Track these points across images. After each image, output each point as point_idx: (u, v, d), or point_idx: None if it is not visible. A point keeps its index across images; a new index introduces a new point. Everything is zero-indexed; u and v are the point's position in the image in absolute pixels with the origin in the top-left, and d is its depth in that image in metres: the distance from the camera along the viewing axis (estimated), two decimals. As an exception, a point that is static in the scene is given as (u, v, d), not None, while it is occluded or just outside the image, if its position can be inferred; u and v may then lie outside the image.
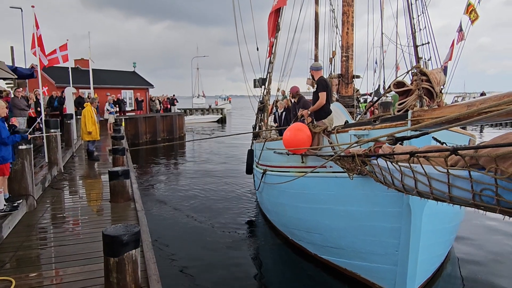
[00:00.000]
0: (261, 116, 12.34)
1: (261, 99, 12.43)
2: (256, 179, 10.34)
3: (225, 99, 70.59)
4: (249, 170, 11.33)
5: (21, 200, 5.87)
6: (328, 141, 5.95)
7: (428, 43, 9.80)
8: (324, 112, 6.99)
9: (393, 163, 4.10)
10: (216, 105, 58.46)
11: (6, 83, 17.50)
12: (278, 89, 15.03)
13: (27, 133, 5.97)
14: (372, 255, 5.63)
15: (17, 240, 4.95)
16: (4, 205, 5.29)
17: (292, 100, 10.61)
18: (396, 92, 5.74)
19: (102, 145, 14.56)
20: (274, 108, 14.06)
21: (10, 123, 7.12)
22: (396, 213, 5.11)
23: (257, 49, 12.47)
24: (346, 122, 7.18)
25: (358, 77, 11.94)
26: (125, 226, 3.65)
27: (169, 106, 31.38)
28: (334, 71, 13.39)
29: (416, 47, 10.47)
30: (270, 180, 8.04)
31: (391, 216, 5.18)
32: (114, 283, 3.41)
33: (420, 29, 10.13)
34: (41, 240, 5.03)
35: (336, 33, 14.64)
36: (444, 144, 4.22)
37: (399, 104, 5.62)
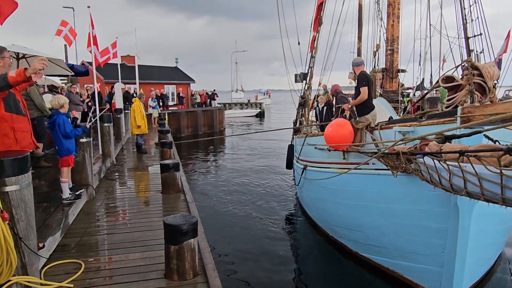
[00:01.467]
0: (302, 111, 12.40)
1: (302, 94, 12.47)
2: (296, 174, 10.46)
3: (264, 94, 70.60)
4: (289, 165, 11.46)
5: (83, 190, 6.35)
6: (371, 137, 5.91)
7: (481, 34, 9.41)
8: (366, 108, 6.95)
9: (440, 162, 4.08)
10: (256, 99, 58.69)
11: (61, 79, 18.60)
12: (320, 84, 14.98)
13: (87, 126, 6.42)
14: (416, 255, 5.54)
15: (81, 226, 5.40)
16: (69, 194, 5.76)
17: (333, 98, 10.61)
18: (444, 87, 5.64)
19: (147, 139, 15.18)
20: (315, 103, 14.05)
21: (72, 116, 7.66)
22: (442, 213, 4.99)
23: (299, 43, 12.50)
24: (390, 118, 7.04)
25: (403, 71, 11.67)
26: (184, 216, 3.93)
27: (207, 100, 31.93)
28: (378, 65, 13.17)
29: (467, 39, 10.08)
30: (310, 176, 8.10)
31: (437, 216, 5.07)
32: (174, 269, 3.70)
33: (472, 20, 9.72)
34: (101, 228, 5.45)
35: (381, 25, 14.38)
36: (497, 143, 4.14)
37: (448, 100, 5.53)
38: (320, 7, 11.56)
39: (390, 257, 6.10)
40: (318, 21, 11.81)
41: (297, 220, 9.67)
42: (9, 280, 3.19)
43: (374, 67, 13.24)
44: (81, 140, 6.56)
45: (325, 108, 10.30)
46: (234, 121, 39.36)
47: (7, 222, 3.02)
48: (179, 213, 5.93)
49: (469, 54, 10.28)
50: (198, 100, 30.81)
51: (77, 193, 5.97)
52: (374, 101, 7.92)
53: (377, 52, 14.02)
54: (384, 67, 11.58)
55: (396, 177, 5.08)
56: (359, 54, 18.75)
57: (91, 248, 4.71)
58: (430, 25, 13.44)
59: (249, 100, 53.19)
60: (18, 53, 10.67)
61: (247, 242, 8.08)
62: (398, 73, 11.51)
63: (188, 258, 3.69)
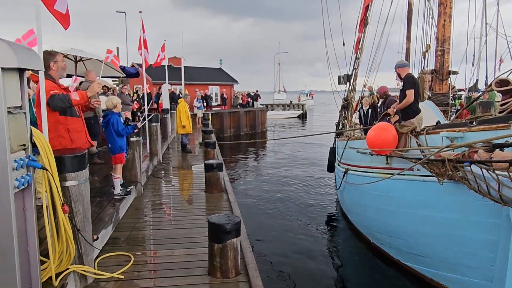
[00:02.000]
0: (344, 113, 12.25)
1: (345, 96, 12.32)
2: (337, 177, 10.34)
3: (307, 95, 70.09)
4: (331, 168, 11.36)
5: (132, 186, 6.69)
6: (416, 142, 5.73)
7: None
8: (412, 111, 6.67)
9: (489, 171, 3.91)
10: (299, 100, 58.42)
11: (112, 81, 19.60)
12: (365, 85, 14.69)
13: (137, 125, 6.76)
14: (463, 267, 5.28)
15: (130, 221, 5.70)
16: (120, 189, 6.09)
17: (380, 101, 10.38)
18: (498, 91, 5.37)
19: (191, 138, 15.63)
20: (359, 105, 13.82)
21: (124, 116, 8.10)
22: (492, 224, 4.71)
23: (344, 44, 12.36)
24: (438, 122, 6.77)
25: (454, 72, 11.22)
26: (227, 216, 4.05)
27: (249, 100, 32.21)
28: (427, 66, 12.72)
29: None
30: (352, 180, 7.98)
31: (487, 227, 4.79)
32: (217, 267, 3.83)
33: None
34: (148, 223, 5.72)
35: (432, 24, 13.82)
36: (554, 153, 3.90)
37: (502, 105, 5.27)
38: (366, 8, 11.38)
39: (434, 268, 5.88)
40: (364, 22, 11.63)
41: (338, 224, 9.59)
42: (68, 268, 3.46)
43: (423, 68, 12.81)
44: (132, 139, 6.92)
45: (369, 110, 10.12)
46: (276, 123, 39.47)
47: (67, 214, 3.28)
48: (222, 212, 6.12)
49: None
50: (240, 101, 31.22)
51: (127, 189, 6.30)
52: (421, 104, 7.67)
53: (427, 53, 13.53)
54: (433, 68, 11.19)
55: (442, 185, 4.94)
56: (407, 54, 18.17)
57: (139, 242, 4.96)
58: (486, 23, 12.84)
59: (291, 101, 53.04)
60: (76, 56, 11.36)
61: (287, 243, 8.14)
62: (449, 75, 11.08)
63: (231, 257, 3.81)
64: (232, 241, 3.80)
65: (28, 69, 2.80)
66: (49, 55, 4.15)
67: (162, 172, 9.44)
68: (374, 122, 11.13)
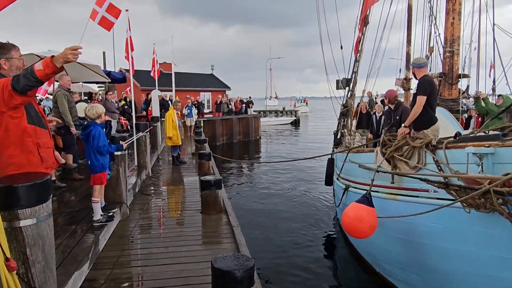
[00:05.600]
0: (343, 121, 11.37)
1: (344, 102, 11.46)
2: (336, 194, 9.23)
3: (302, 101, 69.31)
4: (329, 182, 10.36)
5: (116, 209, 5.70)
6: (433, 158, 4.60)
7: None
8: (427, 120, 5.49)
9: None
10: (294, 107, 57.75)
11: (98, 87, 18.53)
12: (364, 91, 13.92)
13: (124, 142, 5.79)
14: None
15: (112, 254, 4.70)
16: (101, 215, 5.11)
17: (387, 107, 9.51)
18: None
19: (183, 148, 14.61)
20: (362, 110, 13.00)
21: (104, 119, 7.03)
22: None
23: (341, 47, 11.56)
24: (458, 134, 5.37)
25: (466, 76, 10.35)
26: (236, 258, 3.10)
27: (241, 107, 31.03)
28: (431, 70, 11.95)
29: None
30: (353, 198, 6.88)
31: None
32: (226, 329, 2.87)
33: None
34: (135, 257, 4.74)
35: (435, 24, 13.06)
36: None
37: None
38: (367, 5, 10.56)
39: None
40: (364, 21, 10.80)
41: (338, 249, 8.51)
42: None
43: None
44: (116, 153, 5.93)
45: (383, 117, 9.23)
46: (268, 129, 38.61)
47: (15, 271, 2.31)
48: (223, 239, 5.17)
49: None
50: (231, 107, 29.79)
51: (109, 214, 5.31)
52: (434, 112, 6.68)
53: (430, 56, 12.77)
54: (441, 71, 10.41)
55: (469, 212, 3.91)
56: (408, 59, 17.51)
57: (122, 282, 3.98)
58: (494, 25, 12.14)
59: (284, 108, 52.35)
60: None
61: (284, 266, 7.32)
62: (459, 79, 10.29)
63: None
64: (244, 294, 2.86)
65: None
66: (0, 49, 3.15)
67: (152, 188, 8.43)
68: (378, 131, 10.28)
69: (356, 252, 7.64)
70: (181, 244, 5.08)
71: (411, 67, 6.61)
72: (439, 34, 11.87)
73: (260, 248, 8.02)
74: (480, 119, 11.24)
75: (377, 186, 5.58)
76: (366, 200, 4.74)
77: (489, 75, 17.79)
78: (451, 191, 3.93)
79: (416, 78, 5.86)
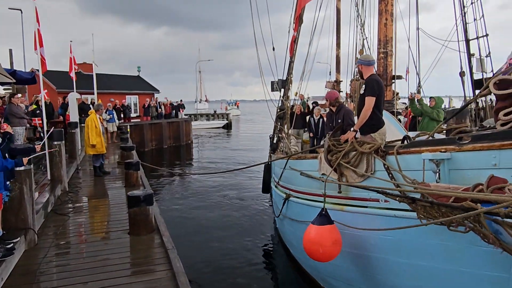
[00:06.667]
0: (280, 125, 11.01)
1: (280, 105, 11.11)
2: (275, 203, 8.56)
3: (233, 104, 69.37)
4: (266, 189, 9.86)
5: (18, 239, 4.60)
6: (384, 165, 4.15)
7: (487, 35, 8.53)
8: (375, 123, 5.07)
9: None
10: (226, 110, 57.25)
11: (4, 89, 16.26)
12: (296, 94, 13.76)
13: (27, 156, 4.71)
14: None
15: (12, 300, 3.67)
16: (-4, 248, 4.02)
17: (328, 109, 9.24)
18: (497, 94, 4.21)
19: (106, 155, 13.23)
20: (297, 112, 12.76)
21: (2, 130, 5.78)
22: (500, 279, 3.46)
23: (273, 49, 11.24)
24: (407, 137, 4.76)
25: (399, 77, 10.48)
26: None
27: (171, 111, 29.49)
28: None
29: (468, 41, 9.14)
30: (295, 209, 6.26)
31: (492, 284, 3.53)
32: None
33: (474, 19, 8.80)
34: (44, 298, 3.75)
35: (362, 25, 13.27)
36: None
37: (506, 114, 4.14)
38: (301, 4, 10.33)
39: None
40: (298, 20, 10.54)
41: (278, 261, 7.94)
42: None
43: (355, 75, 12.13)
44: (18, 168, 4.82)
45: (321, 120, 8.93)
46: (200, 133, 37.58)
47: None
48: (156, 266, 4.37)
49: (469, 59, 9.35)
50: (155, 113, 27.65)
51: (8, 246, 4.22)
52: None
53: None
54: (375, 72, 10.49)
55: (427, 225, 3.32)
56: (337, 61, 17.80)
57: None
58: (418, 29, 12.61)
59: (215, 111, 51.64)
60: None
61: (222, 282, 6.69)
62: (393, 80, 10.42)
63: None
64: None
65: None
66: None
67: (69, 205, 7.23)
68: (324, 134, 9.98)
69: (298, 266, 7.06)
70: (104, 277, 4.17)
71: (357, 64, 6.22)
72: (366, 37, 12.10)
73: (199, 271, 7.19)
74: (411, 120, 11.51)
75: (321, 195, 4.82)
76: (325, 218, 4.23)
77: (406, 79, 18.75)
78: (418, 207, 3.44)
79: (362, 78, 5.49)
